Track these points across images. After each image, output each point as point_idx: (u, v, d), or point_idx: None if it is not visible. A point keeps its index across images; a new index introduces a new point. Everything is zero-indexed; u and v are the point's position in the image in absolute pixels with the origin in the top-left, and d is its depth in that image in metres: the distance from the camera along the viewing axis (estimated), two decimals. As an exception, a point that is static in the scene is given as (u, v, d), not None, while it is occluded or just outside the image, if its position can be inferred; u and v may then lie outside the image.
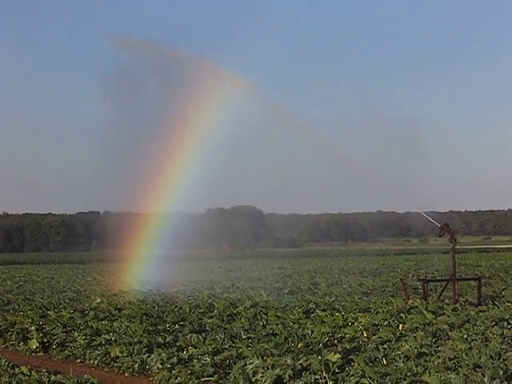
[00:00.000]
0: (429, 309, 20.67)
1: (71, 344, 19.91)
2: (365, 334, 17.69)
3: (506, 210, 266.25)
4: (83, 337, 19.87)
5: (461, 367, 13.33)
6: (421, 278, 29.71)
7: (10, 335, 22.31)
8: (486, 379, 12.39)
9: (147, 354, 17.00)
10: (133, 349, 17.59)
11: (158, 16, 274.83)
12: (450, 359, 14.03)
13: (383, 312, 21.04)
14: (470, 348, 14.90)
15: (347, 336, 17.62)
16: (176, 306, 25.46)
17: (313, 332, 17.87)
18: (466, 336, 16.32)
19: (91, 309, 25.73)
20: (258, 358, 14.69)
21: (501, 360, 13.69)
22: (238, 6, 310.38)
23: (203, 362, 15.60)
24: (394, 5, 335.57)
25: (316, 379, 13.59)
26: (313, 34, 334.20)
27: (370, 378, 13.21)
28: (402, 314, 20.40)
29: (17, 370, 16.12)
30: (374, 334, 17.57)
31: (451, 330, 17.29)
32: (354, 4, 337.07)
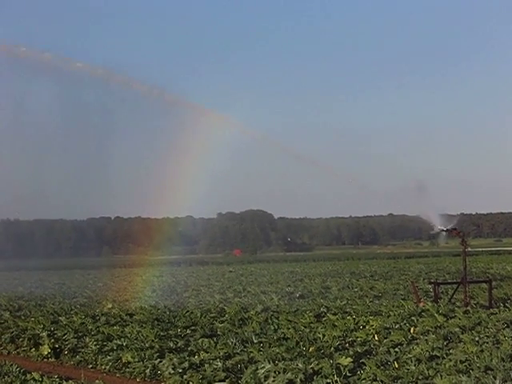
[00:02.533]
0: (440, 312, 20.65)
1: (83, 349, 19.97)
2: (376, 338, 17.66)
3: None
4: (95, 342, 19.92)
5: (472, 370, 13.32)
6: (432, 280, 29.61)
7: (22, 341, 22.39)
8: (497, 382, 12.36)
9: (159, 359, 17.03)
10: (144, 354, 17.61)
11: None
12: (462, 362, 14.01)
13: (394, 315, 21.00)
14: (482, 351, 14.86)
15: (358, 339, 17.60)
16: (187, 311, 25.48)
17: (324, 336, 17.87)
18: (477, 339, 16.29)
19: (102, 314, 25.81)
20: (269, 363, 14.70)
21: (512, 362, 13.66)
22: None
23: (215, 366, 15.61)
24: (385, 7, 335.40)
25: (328, 383, 13.59)
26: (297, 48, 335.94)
27: (382, 381, 13.20)
28: (413, 317, 20.35)
29: (28, 375, 16.18)
30: (386, 338, 17.55)
31: (462, 333, 17.26)
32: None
